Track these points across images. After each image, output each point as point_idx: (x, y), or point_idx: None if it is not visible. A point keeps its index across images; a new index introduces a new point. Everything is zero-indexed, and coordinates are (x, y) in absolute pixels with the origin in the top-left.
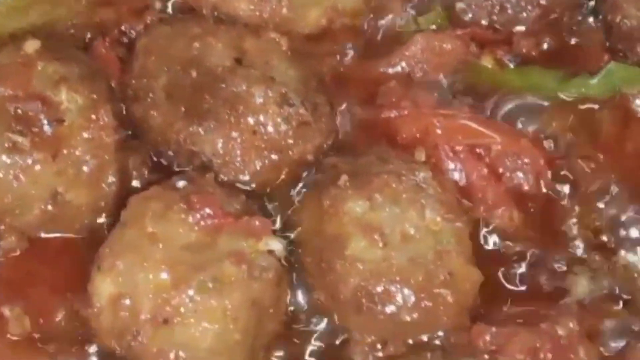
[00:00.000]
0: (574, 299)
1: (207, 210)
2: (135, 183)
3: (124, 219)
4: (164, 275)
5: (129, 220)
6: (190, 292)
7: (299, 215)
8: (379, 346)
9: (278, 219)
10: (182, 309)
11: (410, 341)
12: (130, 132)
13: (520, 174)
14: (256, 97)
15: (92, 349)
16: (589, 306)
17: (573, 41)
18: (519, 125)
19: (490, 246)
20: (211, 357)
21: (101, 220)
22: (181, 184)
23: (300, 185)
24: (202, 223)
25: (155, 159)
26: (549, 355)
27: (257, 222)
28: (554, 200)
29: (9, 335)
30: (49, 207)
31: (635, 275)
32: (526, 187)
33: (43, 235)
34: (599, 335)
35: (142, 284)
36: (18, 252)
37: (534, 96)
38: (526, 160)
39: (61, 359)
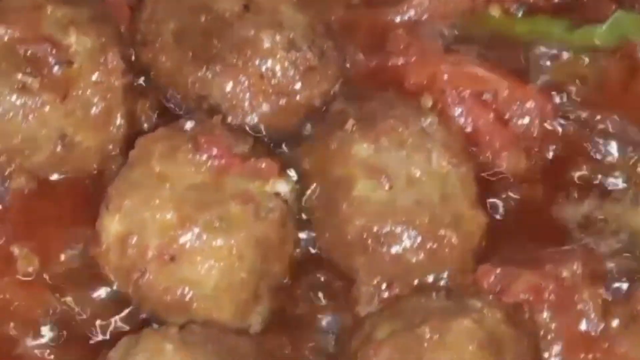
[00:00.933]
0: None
1: (214, 151)
2: (144, 127)
3: (131, 159)
4: (171, 214)
5: (136, 161)
6: (197, 231)
7: (305, 158)
8: (384, 287)
9: (285, 163)
10: (188, 247)
11: (416, 282)
12: (139, 77)
13: (526, 120)
14: (264, 42)
15: (100, 290)
16: (593, 250)
17: None
18: (526, 72)
19: (496, 191)
20: (217, 294)
21: (109, 162)
22: (189, 125)
23: (308, 129)
24: (209, 164)
25: (164, 103)
26: (552, 296)
27: (264, 164)
28: (559, 145)
29: (18, 276)
30: (58, 149)
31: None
32: (532, 132)
33: (52, 176)
34: (602, 278)
35: (149, 222)
36: (27, 193)
37: (541, 45)
38: (532, 105)
39: (70, 299)
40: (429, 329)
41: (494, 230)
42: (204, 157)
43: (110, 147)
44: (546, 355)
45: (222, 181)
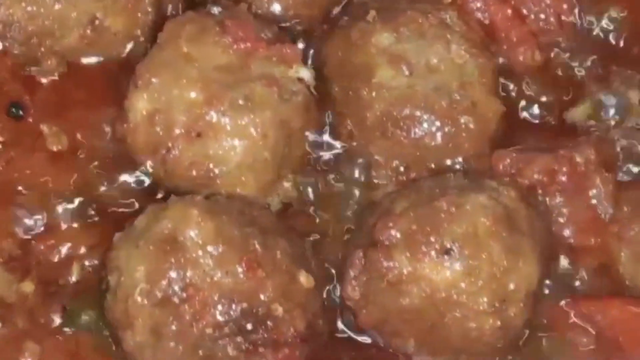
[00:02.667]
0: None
1: (241, 34)
2: (171, 14)
3: (160, 40)
4: (197, 93)
5: (165, 42)
6: (222, 109)
7: (328, 48)
8: (402, 170)
9: (310, 53)
10: (214, 124)
11: (433, 166)
12: None
13: (543, 16)
14: None
15: (127, 172)
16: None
17: None
18: None
19: (513, 83)
20: (241, 172)
21: (137, 47)
22: (216, 10)
23: (330, 20)
24: (235, 46)
25: None
26: (565, 179)
27: (288, 50)
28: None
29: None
30: (88, 32)
31: None
32: (549, 29)
33: (82, 60)
34: (614, 164)
35: (176, 100)
36: (57, 76)
37: None
38: (549, 2)
39: (98, 178)
40: (446, 202)
41: (510, 120)
42: (230, 39)
43: (138, 32)
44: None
45: (247, 63)
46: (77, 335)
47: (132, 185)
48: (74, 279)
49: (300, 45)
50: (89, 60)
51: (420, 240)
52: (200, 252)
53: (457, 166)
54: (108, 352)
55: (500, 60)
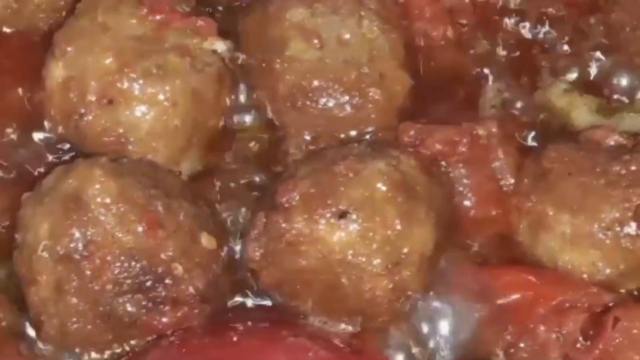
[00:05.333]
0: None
1: (156, 6)
2: None
3: (78, 10)
4: (110, 60)
5: (82, 11)
6: (134, 76)
7: (247, 21)
8: (310, 139)
9: (225, 24)
10: (125, 91)
11: (342, 136)
12: None
13: None
14: None
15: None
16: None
17: None
18: None
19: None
20: (151, 139)
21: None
22: None
23: None
24: (150, 17)
25: None
26: (465, 149)
27: (203, 22)
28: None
29: None
30: (11, 2)
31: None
32: (463, 4)
33: (5, 29)
34: (516, 138)
35: (90, 67)
36: None
37: None
38: None
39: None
40: (345, 167)
41: (420, 94)
42: (145, 10)
43: (62, 3)
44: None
45: (162, 34)
46: None
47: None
48: None
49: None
50: (12, 30)
51: (318, 203)
52: (102, 211)
53: (367, 136)
54: (20, 312)
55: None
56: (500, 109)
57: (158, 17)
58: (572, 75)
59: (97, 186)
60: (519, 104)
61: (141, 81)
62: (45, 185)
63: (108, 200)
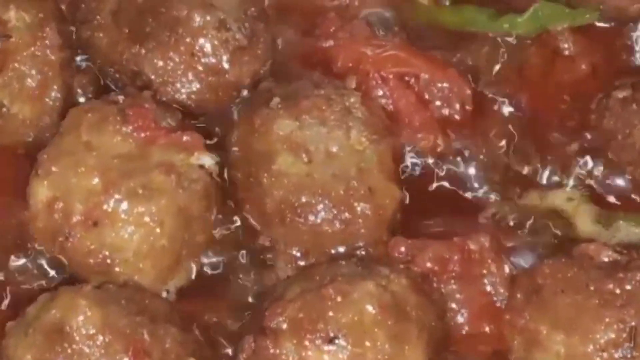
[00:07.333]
0: (488, 214)
1: (140, 123)
2: (80, 100)
3: (62, 128)
4: (96, 180)
5: (66, 130)
6: (119, 197)
7: (232, 134)
8: (299, 255)
9: (214, 138)
10: (110, 213)
11: (332, 252)
12: (78, 53)
13: (446, 102)
14: (195, 21)
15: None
16: (502, 226)
17: None
18: (449, 58)
19: (413, 168)
20: (138, 260)
21: (45, 133)
22: (119, 99)
23: (236, 106)
24: (135, 135)
25: (101, 79)
26: (457, 267)
27: (189, 137)
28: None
29: None
30: None
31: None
32: (453, 115)
33: None
34: (509, 251)
35: (74, 188)
36: None
37: (467, 31)
38: (453, 89)
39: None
40: (333, 290)
41: (410, 204)
42: (130, 128)
43: (47, 118)
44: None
45: (147, 152)
46: None
47: (34, 271)
48: None
49: (205, 130)
50: None
51: (306, 328)
52: (87, 342)
53: (357, 252)
54: None
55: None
56: (491, 219)
57: (143, 135)
58: (569, 182)
59: (81, 317)
60: (511, 215)
61: (126, 202)
62: (29, 314)
63: (93, 331)
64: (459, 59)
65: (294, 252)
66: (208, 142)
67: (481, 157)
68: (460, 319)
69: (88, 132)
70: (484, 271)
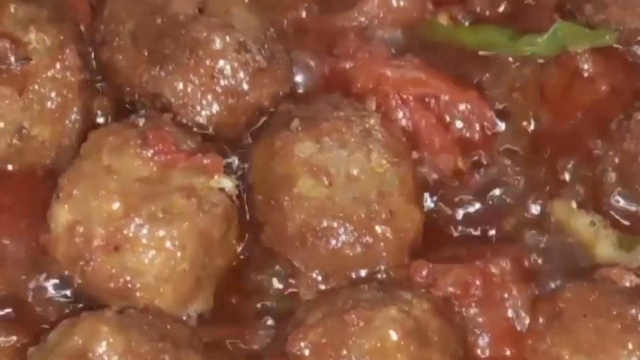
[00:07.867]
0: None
1: (161, 146)
2: (100, 122)
3: (83, 151)
4: (117, 205)
5: (87, 153)
6: (140, 221)
7: (252, 156)
8: (320, 279)
9: (233, 160)
10: (131, 237)
11: (353, 275)
12: (97, 75)
13: (467, 124)
14: (215, 43)
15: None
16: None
17: (527, 1)
18: (469, 78)
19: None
20: (159, 284)
21: (64, 155)
22: (140, 121)
23: (255, 128)
24: (156, 158)
25: (120, 101)
26: (479, 291)
27: (209, 160)
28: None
29: None
30: (15, 141)
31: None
32: (473, 137)
33: (9, 167)
34: (532, 275)
35: (95, 212)
36: None
37: (486, 53)
38: (474, 110)
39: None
40: (356, 316)
41: (432, 227)
42: (151, 152)
43: (66, 140)
44: (475, 349)
45: (167, 175)
46: None
47: (55, 295)
48: None
49: (225, 152)
50: (15, 168)
51: (329, 354)
52: None
53: (379, 275)
54: None
55: (425, 164)
56: (512, 241)
57: (163, 158)
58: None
59: (104, 343)
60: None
61: (147, 226)
62: (50, 341)
63: (115, 358)
64: (479, 80)
65: (315, 276)
66: (227, 161)
67: (504, 178)
68: (481, 343)
69: (109, 155)
70: (506, 295)
